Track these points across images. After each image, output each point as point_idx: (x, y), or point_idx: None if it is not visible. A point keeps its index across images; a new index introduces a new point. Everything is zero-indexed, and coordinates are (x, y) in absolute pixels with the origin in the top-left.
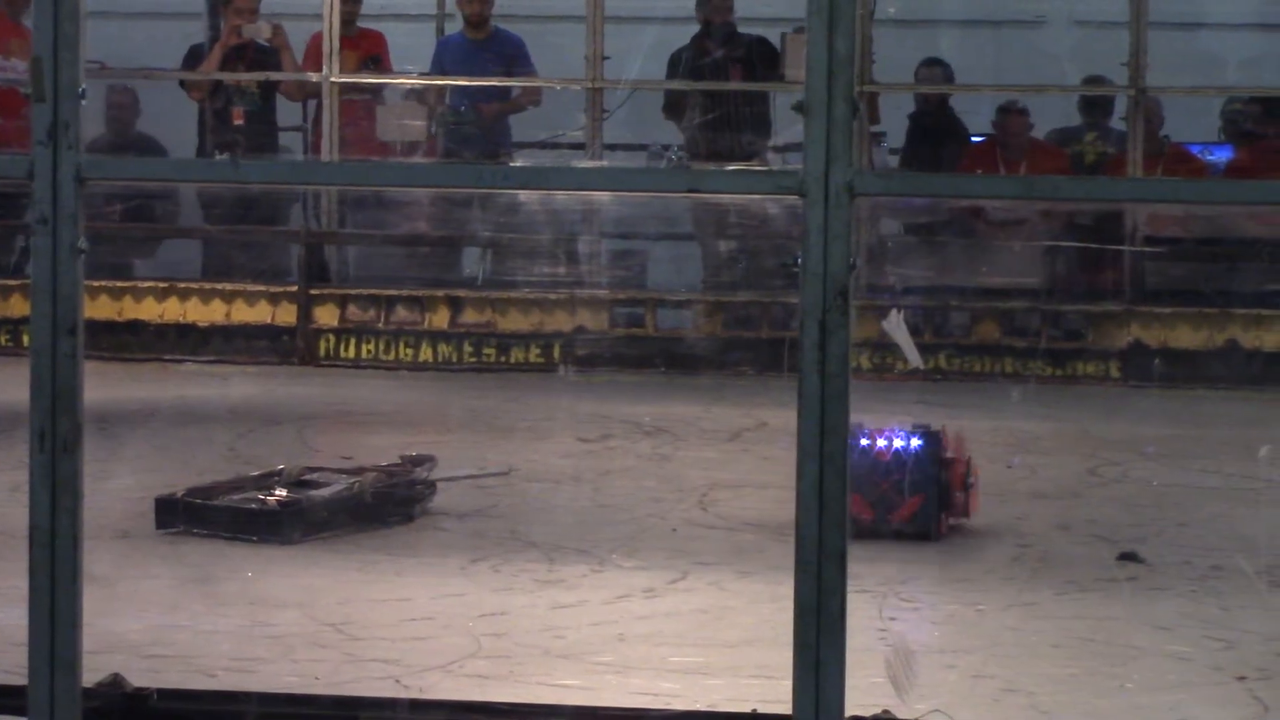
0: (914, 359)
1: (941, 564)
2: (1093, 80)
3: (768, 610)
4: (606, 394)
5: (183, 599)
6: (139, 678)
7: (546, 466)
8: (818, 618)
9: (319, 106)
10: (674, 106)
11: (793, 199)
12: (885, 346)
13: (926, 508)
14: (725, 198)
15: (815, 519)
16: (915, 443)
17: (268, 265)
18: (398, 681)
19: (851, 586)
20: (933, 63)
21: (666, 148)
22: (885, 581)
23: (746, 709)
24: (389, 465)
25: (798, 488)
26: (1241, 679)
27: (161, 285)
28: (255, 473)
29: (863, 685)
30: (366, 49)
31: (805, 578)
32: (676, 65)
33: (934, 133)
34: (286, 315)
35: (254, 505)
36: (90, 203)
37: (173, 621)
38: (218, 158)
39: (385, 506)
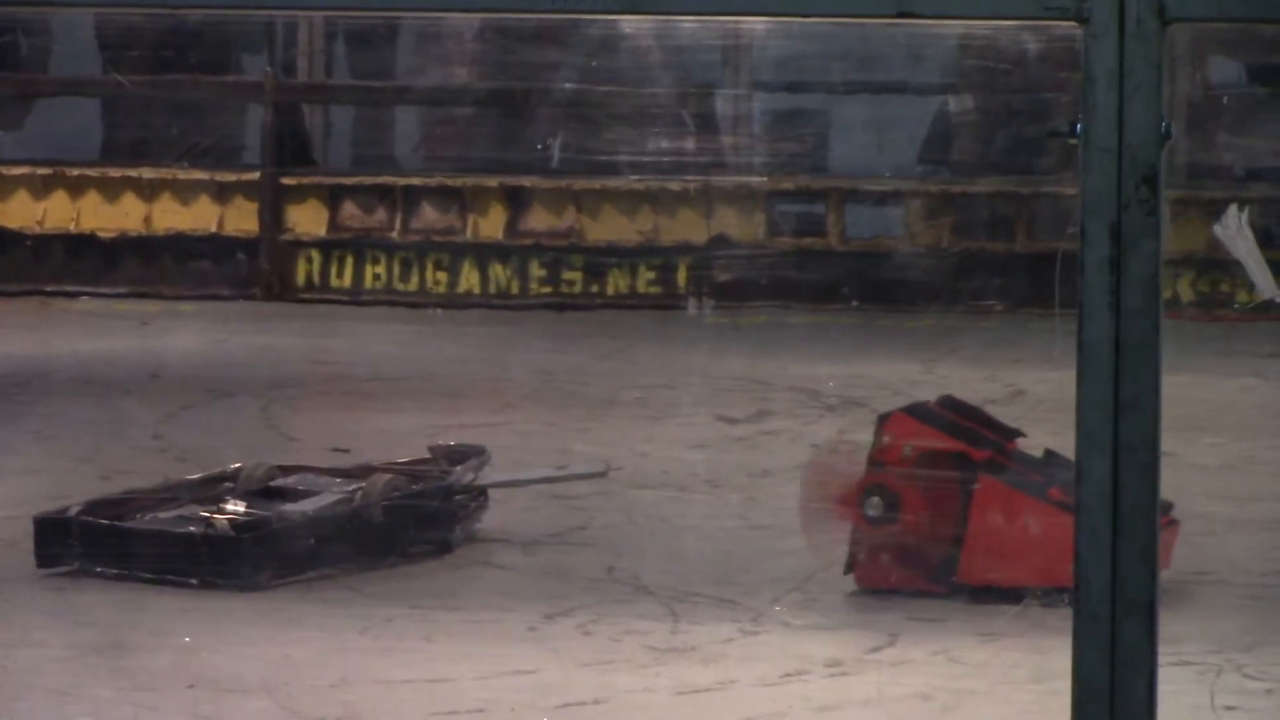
0: (1265, 285)
1: None
2: None
3: (1028, 695)
4: (763, 345)
5: (81, 679)
6: None
7: (666, 464)
8: (1111, 707)
9: None
10: None
11: (1068, 27)
12: (1219, 265)
13: None
14: (955, 26)
15: (1106, 548)
16: None
17: (211, 139)
18: None
19: (1166, 656)
20: None
21: None
22: (1218, 646)
23: None
24: (411, 462)
25: (1077, 494)
26: None
27: (41, 172)
28: (195, 475)
29: None
30: None
31: (1090, 642)
32: None
33: None
34: (243, 219)
35: (194, 529)
36: None
37: (64, 715)
38: None
39: (406, 529)
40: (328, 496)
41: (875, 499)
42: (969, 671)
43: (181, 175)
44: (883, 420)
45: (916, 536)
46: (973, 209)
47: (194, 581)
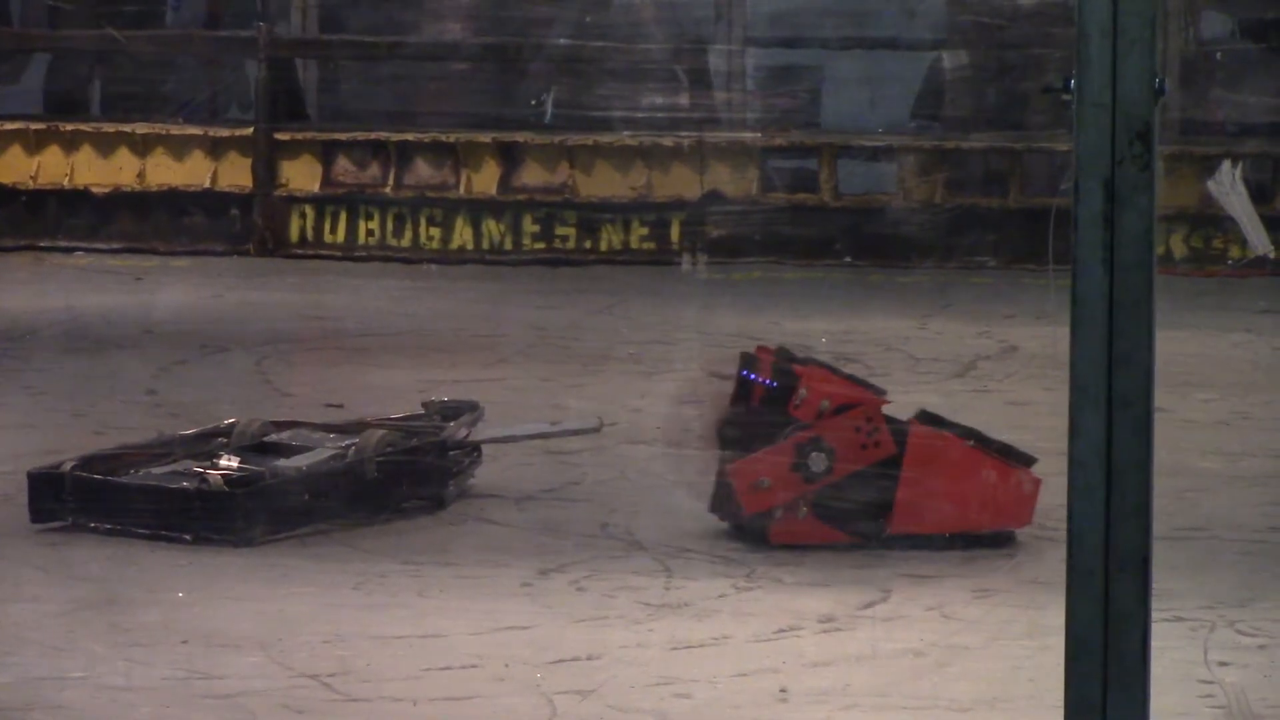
0: (1258, 241)
1: None
2: None
3: (1021, 651)
4: (756, 300)
5: (74, 635)
6: None
7: (660, 419)
8: (1104, 662)
9: None
10: None
11: None
12: (1212, 221)
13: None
14: None
15: (1099, 503)
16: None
17: (205, 93)
18: None
19: (1159, 611)
20: None
21: None
22: (1211, 601)
23: None
24: (405, 418)
25: (1070, 451)
26: None
27: (35, 128)
28: (189, 430)
29: None
30: None
31: (1084, 598)
32: None
33: None
34: (236, 174)
35: (187, 484)
36: None
37: (58, 670)
38: None
39: (400, 485)
40: (321, 452)
41: (816, 454)
42: (963, 627)
43: (175, 130)
44: (795, 372)
45: (851, 489)
46: (966, 165)
47: (187, 537)
